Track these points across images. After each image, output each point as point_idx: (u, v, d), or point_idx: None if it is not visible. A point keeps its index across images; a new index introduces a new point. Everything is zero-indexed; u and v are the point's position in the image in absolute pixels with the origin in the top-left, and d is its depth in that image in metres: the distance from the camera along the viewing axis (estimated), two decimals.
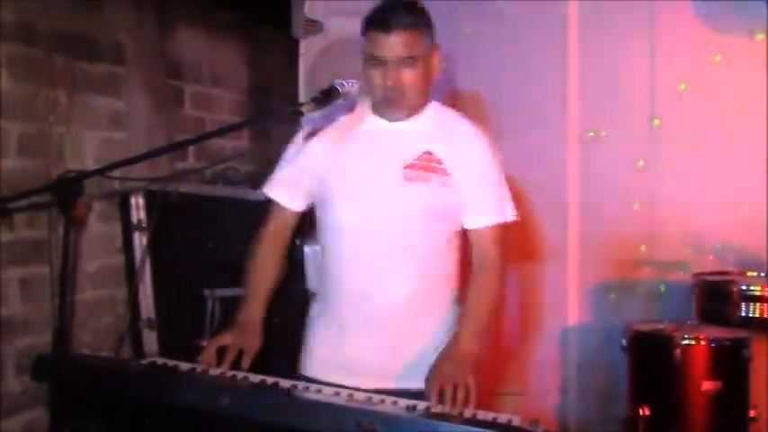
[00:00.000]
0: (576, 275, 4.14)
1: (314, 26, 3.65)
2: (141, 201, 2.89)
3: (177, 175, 3.13)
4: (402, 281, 2.11)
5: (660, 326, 3.32)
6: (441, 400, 1.85)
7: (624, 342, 3.31)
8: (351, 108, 2.16)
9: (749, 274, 3.54)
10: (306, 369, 2.23)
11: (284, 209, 2.23)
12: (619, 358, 3.37)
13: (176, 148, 3.07)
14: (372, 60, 2.03)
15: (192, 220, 2.88)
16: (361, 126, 2.15)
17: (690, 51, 3.91)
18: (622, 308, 3.96)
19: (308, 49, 3.49)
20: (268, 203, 2.25)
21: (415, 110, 2.13)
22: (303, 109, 1.94)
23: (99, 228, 2.91)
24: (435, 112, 2.17)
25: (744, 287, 3.31)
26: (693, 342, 3.12)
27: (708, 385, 3.08)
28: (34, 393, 2.56)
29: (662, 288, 3.94)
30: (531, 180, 4.04)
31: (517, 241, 4.07)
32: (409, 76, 2.04)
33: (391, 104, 2.09)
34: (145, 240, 2.88)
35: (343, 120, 2.17)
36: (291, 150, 2.23)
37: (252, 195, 2.81)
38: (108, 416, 1.95)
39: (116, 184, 2.86)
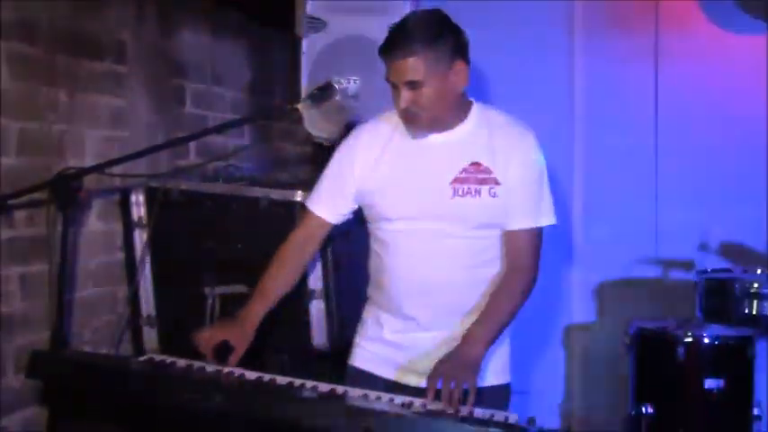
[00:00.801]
0: (579, 272, 4.13)
1: (316, 24, 3.63)
2: (141, 198, 2.89)
3: (178, 172, 3.13)
4: (452, 290, 2.13)
5: (664, 323, 3.31)
6: (438, 398, 1.85)
7: (628, 340, 3.29)
8: (396, 120, 2.17)
9: (754, 271, 3.51)
10: (356, 361, 2.27)
11: (319, 218, 2.24)
12: (622, 356, 3.36)
13: (176, 144, 3.07)
14: (390, 83, 2.08)
15: (192, 218, 2.88)
16: (404, 141, 2.15)
17: (695, 49, 3.89)
18: (626, 305, 3.94)
19: (311, 48, 3.47)
20: (287, 209, 2.36)
21: (446, 123, 2.13)
22: (300, 106, 1.94)
23: (99, 225, 2.91)
24: (480, 118, 2.16)
25: (748, 285, 3.29)
26: (697, 340, 3.10)
27: (712, 383, 3.07)
28: (34, 390, 2.56)
29: (666, 286, 3.93)
30: None
31: None
32: (419, 97, 2.04)
33: (408, 124, 2.11)
34: (145, 237, 2.88)
35: (385, 134, 2.17)
36: (334, 165, 2.24)
37: (253, 193, 2.80)
38: (104, 413, 1.95)
39: (116, 182, 2.86)
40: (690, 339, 3.11)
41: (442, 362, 1.97)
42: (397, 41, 2.03)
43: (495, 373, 2.20)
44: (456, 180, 2.09)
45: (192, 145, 3.34)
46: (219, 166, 3.19)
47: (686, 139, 3.91)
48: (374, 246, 2.23)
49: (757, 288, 3.25)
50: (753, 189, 3.76)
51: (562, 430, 2.36)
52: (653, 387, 3.20)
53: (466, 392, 1.88)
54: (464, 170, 2.10)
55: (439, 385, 1.90)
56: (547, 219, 2.17)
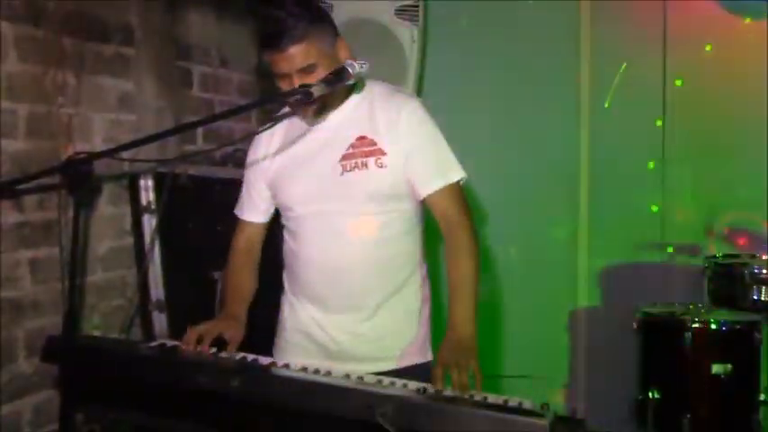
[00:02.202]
0: (585, 258, 4.13)
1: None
2: (150, 183, 2.88)
3: (186, 156, 3.11)
4: (361, 268, 2.14)
5: (671, 309, 3.31)
6: (446, 386, 1.85)
7: (635, 325, 3.29)
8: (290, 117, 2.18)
9: (762, 257, 3.51)
10: (278, 355, 2.26)
11: (246, 223, 2.31)
12: (628, 341, 3.36)
13: (185, 129, 3.06)
14: (277, 75, 2.06)
15: (201, 203, 2.87)
16: (296, 130, 2.18)
17: (702, 34, 3.87)
18: (632, 291, 3.95)
19: None
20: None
21: (336, 103, 2.13)
22: (313, 89, 1.93)
23: (108, 210, 2.91)
24: (365, 93, 2.17)
25: (756, 270, 3.29)
26: (704, 325, 3.10)
27: (718, 368, 3.07)
28: (45, 375, 2.57)
29: (671, 270, 3.93)
30: (542, 165, 4.05)
31: (527, 224, 4.11)
32: (314, 81, 2.00)
33: (305, 112, 2.12)
34: (154, 222, 2.87)
35: (279, 128, 2.20)
36: (246, 168, 2.30)
37: None
38: (117, 397, 1.96)
39: (125, 166, 2.85)
40: (697, 325, 3.11)
41: (442, 350, 1.97)
42: (282, 31, 2.00)
43: (414, 352, 2.21)
44: (344, 157, 2.11)
45: (200, 129, 3.33)
46: (227, 151, 3.18)
47: (693, 124, 3.90)
48: (285, 234, 2.26)
49: (765, 274, 3.25)
50: (762, 171, 3.75)
51: (570, 415, 2.36)
52: (659, 372, 3.20)
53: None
54: (351, 146, 2.11)
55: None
56: (455, 173, 2.14)
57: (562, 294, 4.14)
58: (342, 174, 2.11)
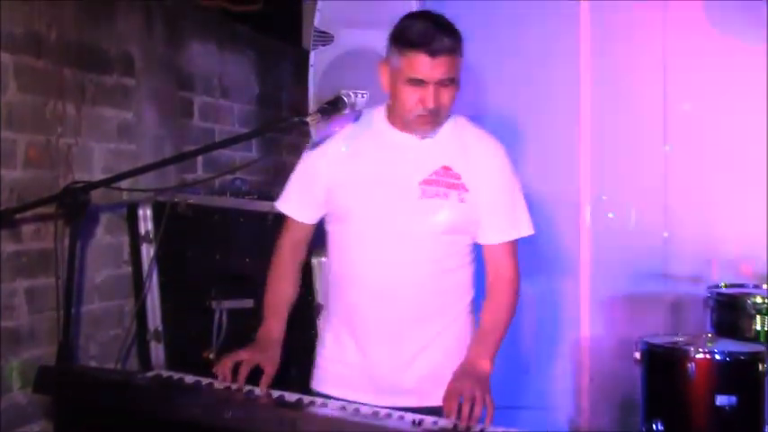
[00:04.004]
0: (588, 288, 4.11)
1: (324, 37, 3.64)
2: (149, 212, 2.88)
3: (185, 185, 3.11)
4: (416, 295, 2.09)
5: (674, 339, 3.27)
6: (458, 417, 1.83)
7: (638, 355, 3.25)
8: (358, 119, 2.13)
9: (765, 286, 3.48)
10: (319, 385, 2.19)
11: (297, 222, 2.21)
12: (633, 371, 3.32)
13: (184, 158, 3.06)
14: (412, 81, 2.01)
15: (199, 232, 2.87)
16: (375, 139, 2.12)
17: (702, 56, 3.88)
18: (636, 321, 3.91)
19: (319, 61, 3.47)
20: (282, 217, 2.24)
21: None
22: (309, 119, 1.93)
23: (106, 239, 2.91)
24: (455, 126, 2.14)
25: (759, 300, 3.25)
26: (708, 356, 3.06)
27: (723, 400, 3.02)
28: (39, 405, 2.54)
29: (675, 300, 3.90)
30: (544, 191, 4.03)
31: (530, 254, 4.08)
32: (446, 96, 2.03)
33: (426, 124, 2.07)
34: (152, 251, 2.86)
35: (354, 131, 2.13)
36: (301, 164, 2.21)
37: (260, 207, 2.79)
38: (112, 429, 1.93)
39: (123, 195, 2.85)
40: (701, 355, 3.06)
41: (456, 380, 1.94)
42: (440, 37, 1.98)
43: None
44: (425, 181, 2.07)
45: (199, 158, 3.33)
46: (227, 180, 3.18)
47: (696, 149, 3.90)
48: (334, 250, 2.17)
49: None
50: (757, 202, 3.73)
51: None
52: (663, 403, 3.15)
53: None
54: (434, 173, 2.08)
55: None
56: (526, 229, 2.16)
57: (565, 324, 4.10)
58: (420, 197, 2.06)
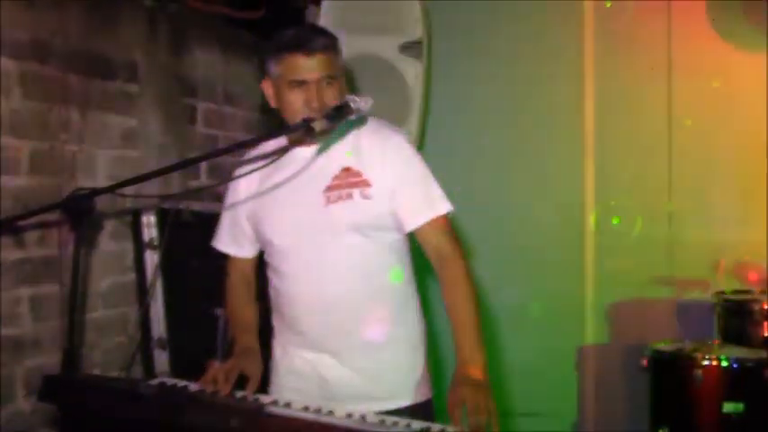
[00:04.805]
0: (592, 294, 4.09)
1: None
2: (153, 219, 2.87)
3: (189, 192, 3.10)
4: (351, 301, 2.09)
5: (680, 346, 3.26)
6: (464, 426, 1.81)
7: (644, 362, 3.24)
8: (272, 144, 2.17)
9: None
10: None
11: (237, 259, 2.29)
12: (637, 378, 3.31)
13: (188, 165, 3.04)
14: (293, 84, 2.04)
15: (204, 239, 2.84)
16: (277, 161, 2.12)
17: (706, 63, 3.87)
18: (640, 327, 3.90)
19: None
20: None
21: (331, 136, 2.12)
22: (315, 125, 1.92)
23: (110, 246, 2.90)
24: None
25: (767, 306, 3.24)
26: (715, 362, 3.05)
27: (730, 407, 3.01)
28: (44, 414, 2.53)
29: (679, 306, 3.88)
30: (547, 197, 4.03)
31: (533, 259, 4.08)
32: (331, 94, 2.03)
33: (310, 144, 2.09)
34: (156, 259, 2.85)
35: (257, 160, 2.16)
36: (225, 201, 2.27)
37: None
38: None
39: (127, 202, 2.84)
40: (707, 362, 3.05)
41: (456, 389, 1.92)
42: (313, 36, 2.03)
43: (418, 389, 2.15)
44: (328, 188, 2.08)
45: (203, 165, 3.33)
46: None
47: (700, 155, 3.89)
48: (269, 273, 2.21)
49: None
50: (759, 207, 3.72)
51: None
52: (670, 410, 3.14)
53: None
54: (335, 177, 2.09)
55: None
56: (442, 206, 2.12)
57: (570, 331, 4.09)
58: (326, 205, 2.08)
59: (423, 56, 3.50)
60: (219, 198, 3.10)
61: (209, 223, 2.87)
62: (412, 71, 3.49)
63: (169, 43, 3.21)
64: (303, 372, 2.16)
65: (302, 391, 2.14)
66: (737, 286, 3.68)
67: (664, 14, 3.91)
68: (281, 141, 2.17)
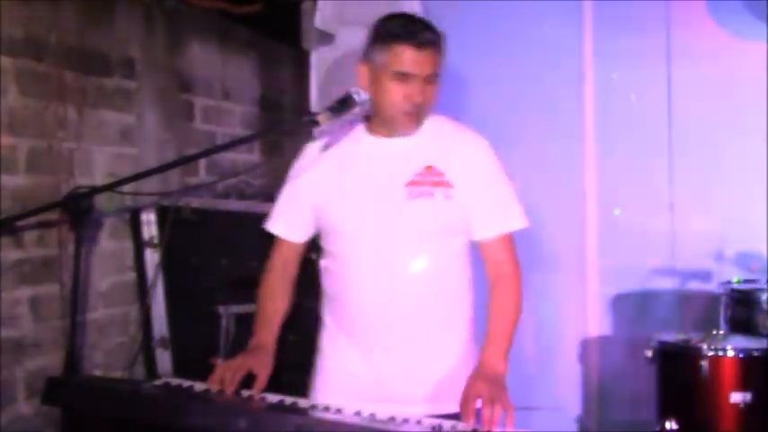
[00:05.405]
0: (595, 285, 4.08)
1: (325, 38, 3.61)
2: (153, 217, 2.84)
3: (189, 189, 3.07)
4: (415, 300, 2.06)
5: (686, 336, 3.24)
6: (478, 420, 1.79)
7: (650, 353, 3.22)
8: (345, 132, 2.12)
9: None
10: (321, 397, 2.12)
11: (287, 242, 2.21)
12: (642, 369, 3.28)
13: (187, 161, 3.02)
14: (398, 75, 1.98)
15: (204, 236, 2.83)
16: (357, 150, 2.10)
17: (705, 54, 3.85)
18: (643, 318, 3.88)
19: (320, 61, 3.44)
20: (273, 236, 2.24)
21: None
22: (319, 119, 1.90)
23: (110, 245, 2.87)
24: (434, 125, 2.12)
25: None
26: (721, 353, 3.03)
27: (737, 397, 2.99)
28: (46, 416, 2.50)
29: (683, 297, 3.87)
30: (548, 188, 4.01)
31: (535, 251, 4.05)
32: (431, 94, 2.01)
33: (411, 122, 2.05)
34: (157, 257, 2.83)
35: (336, 146, 2.12)
36: (287, 184, 2.20)
37: (265, 209, 2.74)
38: None
39: (127, 200, 2.81)
40: (713, 353, 3.03)
41: (473, 383, 1.90)
42: (425, 30, 1.97)
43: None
44: (410, 183, 2.04)
45: (202, 161, 3.30)
46: (230, 183, 3.14)
47: (700, 145, 3.87)
48: (328, 263, 2.15)
49: None
50: (764, 196, 3.71)
51: None
52: (677, 401, 3.12)
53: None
54: (418, 174, 2.05)
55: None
56: (518, 222, 2.12)
57: (573, 323, 4.07)
58: (406, 199, 2.04)
59: None
60: (218, 194, 3.09)
61: (208, 220, 2.85)
62: None
63: (166, 39, 3.18)
64: (356, 369, 2.10)
65: (353, 388, 2.08)
66: (741, 276, 3.67)
67: (662, 4, 3.90)
68: (357, 130, 2.12)
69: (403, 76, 1.98)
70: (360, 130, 2.12)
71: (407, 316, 2.05)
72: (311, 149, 2.16)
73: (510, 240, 2.11)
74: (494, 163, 2.12)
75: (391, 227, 2.04)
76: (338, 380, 2.13)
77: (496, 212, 2.09)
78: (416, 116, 2.03)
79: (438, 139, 2.09)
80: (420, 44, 1.96)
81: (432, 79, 2.00)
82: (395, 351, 2.06)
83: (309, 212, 2.15)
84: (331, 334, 2.17)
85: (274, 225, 2.22)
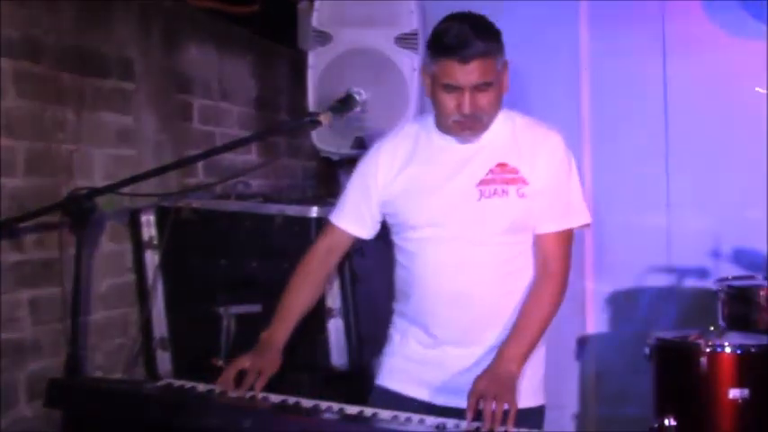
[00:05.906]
0: (591, 283, 4.09)
1: (322, 38, 3.60)
2: (152, 218, 2.84)
3: (188, 190, 3.07)
4: (486, 297, 2.06)
5: (684, 333, 3.25)
6: (479, 417, 1.80)
7: (647, 350, 3.23)
8: (416, 130, 2.13)
9: None
10: (382, 380, 2.19)
11: (345, 233, 2.19)
12: (639, 367, 3.29)
13: (186, 163, 3.02)
14: (447, 87, 2.00)
15: (204, 237, 2.83)
16: (427, 146, 2.11)
17: (702, 52, 3.86)
18: (640, 315, 3.89)
19: (317, 61, 3.43)
20: (314, 224, 2.28)
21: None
22: (321, 118, 1.90)
23: (109, 246, 2.86)
24: (505, 121, 2.11)
25: None
26: (719, 349, 3.04)
27: (736, 393, 3.00)
28: (47, 419, 2.49)
29: (679, 294, 3.88)
30: None
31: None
32: (485, 100, 2.01)
33: (465, 130, 2.05)
34: (156, 258, 2.82)
35: (405, 141, 2.13)
36: (355, 177, 2.19)
37: (267, 209, 2.75)
38: None
39: (126, 201, 2.80)
40: (711, 349, 3.04)
41: (480, 380, 1.91)
42: (471, 43, 1.96)
43: (528, 394, 2.09)
44: (482, 182, 2.04)
45: (201, 162, 3.29)
46: (229, 184, 3.14)
47: (696, 143, 3.88)
48: (399, 257, 2.17)
49: None
50: (760, 193, 3.72)
51: None
52: (675, 399, 3.13)
53: (505, 412, 1.83)
54: (490, 171, 2.05)
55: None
56: (578, 219, 2.11)
57: (570, 321, 4.08)
58: (479, 199, 2.03)
59: (419, 47, 3.48)
60: (218, 195, 3.08)
61: (208, 221, 2.85)
62: (408, 63, 3.46)
63: (163, 39, 3.18)
64: (425, 359, 2.12)
65: (421, 376, 2.11)
66: (736, 272, 3.68)
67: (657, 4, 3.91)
68: (429, 128, 2.12)
69: (452, 88, 1.99)
70: (429, 126, 2.13)
71: (475, 314, 2.07)
72: (382, 143, 2.17)
73: (567, 237, 2.09)
74: (565, 157, 2.10)
75: (462, 226, 2.04)
76: (406, 367, 2.15)
77: (559, 208, 2.08)
78: (469, 125, 2.03)
79: (509, 135, 2.09)
80: (464, 58, 1.95)
81: (483, 87, 1.99)
82: (461, 346, 2.08)
83: (377, 208, 2.15)
84: (401, 326, 2.19)
85: (342, 220, 2.20)
